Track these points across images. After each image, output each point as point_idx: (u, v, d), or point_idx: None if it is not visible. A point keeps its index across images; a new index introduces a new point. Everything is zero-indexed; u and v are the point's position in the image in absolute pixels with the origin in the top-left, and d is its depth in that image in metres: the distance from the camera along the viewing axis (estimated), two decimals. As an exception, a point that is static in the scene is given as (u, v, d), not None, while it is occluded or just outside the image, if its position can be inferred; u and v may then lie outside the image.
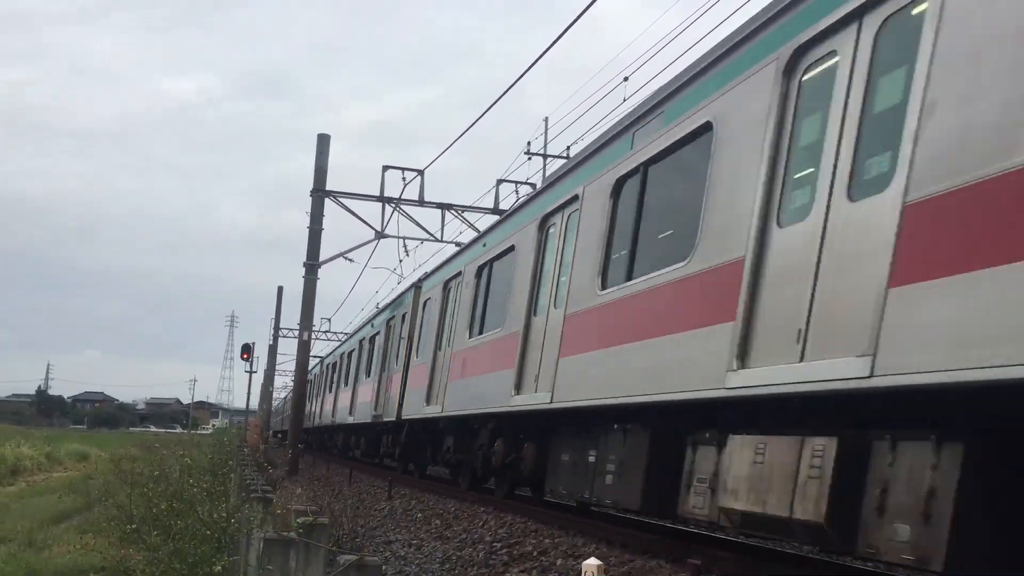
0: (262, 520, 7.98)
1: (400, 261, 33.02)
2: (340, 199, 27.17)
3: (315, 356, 43.66)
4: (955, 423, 5.61)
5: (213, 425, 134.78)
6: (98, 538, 15.17)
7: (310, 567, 5.64)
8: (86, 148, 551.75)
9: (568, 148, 25.67)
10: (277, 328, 54.02)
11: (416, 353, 19.91)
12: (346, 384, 30.86)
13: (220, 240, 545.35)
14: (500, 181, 27.35)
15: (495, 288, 14.75)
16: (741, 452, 7.28)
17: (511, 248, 13.76)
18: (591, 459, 10.32)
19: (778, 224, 7.02)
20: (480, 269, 15.65)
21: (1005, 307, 4.84)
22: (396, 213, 27.47)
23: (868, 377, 5.67)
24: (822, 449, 6.34)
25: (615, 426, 9.82)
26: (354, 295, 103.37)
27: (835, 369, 6.02)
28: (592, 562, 5.56)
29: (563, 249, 11.50)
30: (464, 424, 16.00)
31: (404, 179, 26.94)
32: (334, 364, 36.10)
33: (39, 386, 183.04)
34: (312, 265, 26.91)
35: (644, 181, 9.45)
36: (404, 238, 28.74)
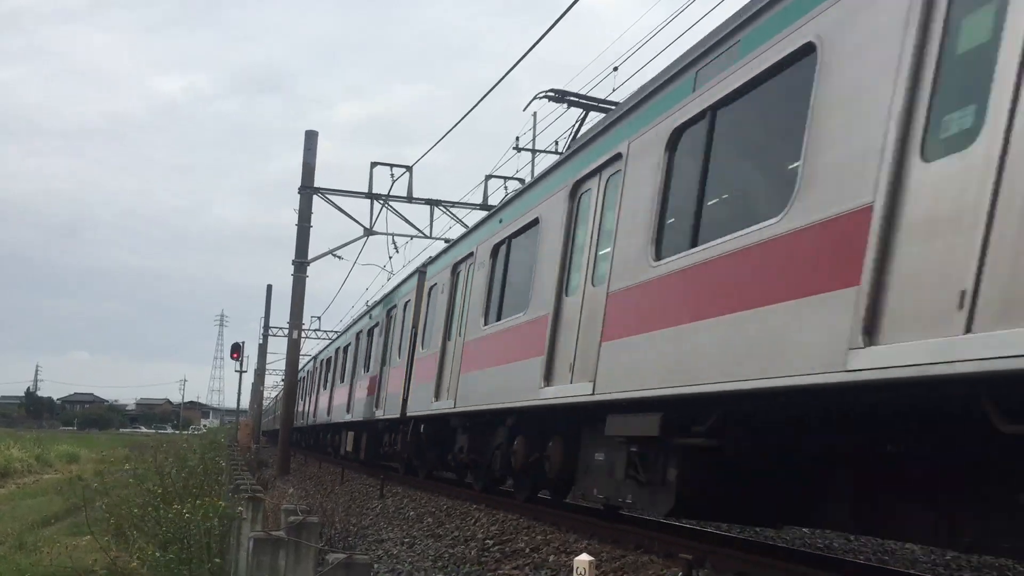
0: (252, 519, 7.93)
1: (390, 257, 33.10)
2: (328, 196, 27.08)
3: (305, 355, 43.59)
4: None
5: (204, 425, 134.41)
6: (87, 540, 15.08)
7: (300, 566, 5.60)
8: (76, 147, 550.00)
9: (556, 142, 25.63)
10: (267, 327, 53.80)
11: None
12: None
13: (210, 239, 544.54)
14: (489, 176, 27.29)
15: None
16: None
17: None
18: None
19: (565, 294, 10.76)
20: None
21: (643, 358, 8.32)
22: (385, 209, 27.42)
23: (591, 395, 9.32)
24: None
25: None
26: (344, 292, 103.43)
27: (582, 388, 9.63)
28: (584, 558, 5.54)
29: (467, 292, 15.58)
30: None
31: (392, 175, 26.91)
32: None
33: (28, 388, 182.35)
34: (301, 263, 26.81)
35: (509, 250, 13.51)
36: (393, 234, 28.72)
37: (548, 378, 10.74)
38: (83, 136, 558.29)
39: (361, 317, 28.62)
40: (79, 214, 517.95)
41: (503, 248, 13.83)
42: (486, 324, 13.92)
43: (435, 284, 17.94)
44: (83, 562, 12.50)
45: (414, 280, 19.97)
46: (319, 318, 57.93)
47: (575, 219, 10.93)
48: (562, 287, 10.89)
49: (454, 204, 27.91)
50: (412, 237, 28.78)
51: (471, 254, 15.41)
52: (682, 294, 7.91)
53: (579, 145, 11.26)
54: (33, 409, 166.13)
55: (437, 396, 15.87)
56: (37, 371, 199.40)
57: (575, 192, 10.95)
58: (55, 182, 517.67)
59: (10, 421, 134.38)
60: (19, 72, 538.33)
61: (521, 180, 25.88)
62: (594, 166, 10.40)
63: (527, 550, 9.86)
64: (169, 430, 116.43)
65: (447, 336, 16.07)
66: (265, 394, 70.66)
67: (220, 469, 17.87)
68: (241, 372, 52.25)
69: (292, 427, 31.48)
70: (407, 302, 20.16)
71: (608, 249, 9.63)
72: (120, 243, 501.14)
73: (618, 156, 9.73)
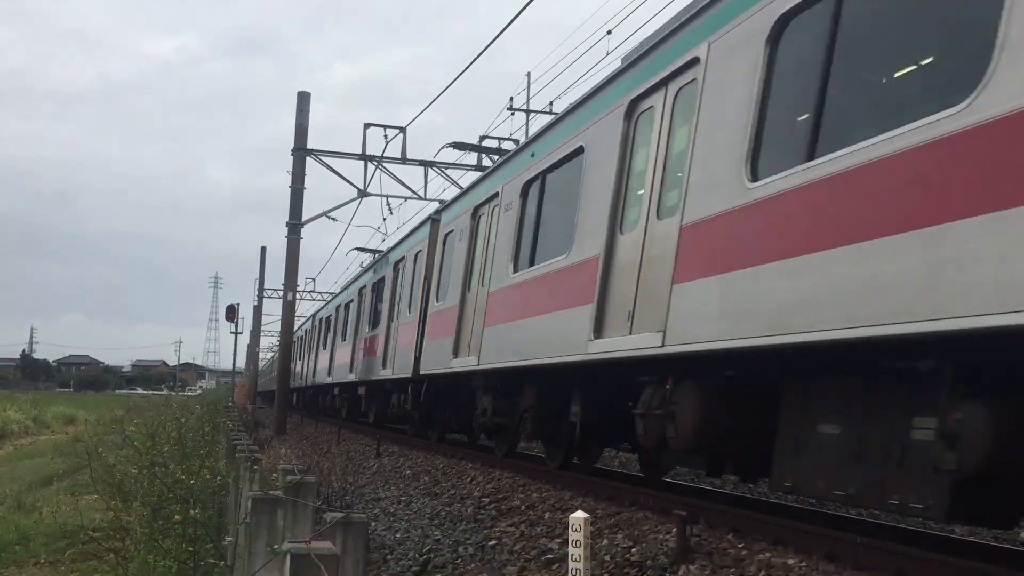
0: (249, 479, 7.99)
1: (384, 219, 32.96)
2: (322, 157, 26.93)
3: (300, 316, 43.75)
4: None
5: (200, 386, 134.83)
6: (86, 500, 15.20)
7: (298, 525, 5.65)
8: (67, 111, 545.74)
9: (551, 103, 25.51)
10: (261, 289, 53.81)
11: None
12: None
13: (204, 202, 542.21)
14: (483, 138, 27.14)
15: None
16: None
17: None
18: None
19: (482, 286, 13.84)
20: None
21: (555, 331, 10.41)
22: (379, 171, 27.29)
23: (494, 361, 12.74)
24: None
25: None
26: (338, 254, 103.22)
27: (469, 361, 13.81)
28: (579, 515, 5.59)
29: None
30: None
31: (386, 137, 26.73)
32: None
33: (23, 350, 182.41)
34: (295, 225, 26.72)
35: (444, 251, 17.09)
36: (387, 196, 28.62)
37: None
38: (75, 100, 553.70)
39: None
40: (72, 178, 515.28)
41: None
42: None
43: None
44: (82, 521, 12.62)
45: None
46: (314, 279, 58.11)
47: (476, 233, 15.18)
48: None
49: (448, 165, 27.79)
50: (406, 199, 28.72)
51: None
52: (521, 297, 11.91)
53: (474, 182, 16.26)
54: (29, 371, 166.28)
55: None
56: (32, 333, 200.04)
57: (475, 214, 15.35)
58: (47, 146, 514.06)
59: (6, 383, 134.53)
60: (8, 35, 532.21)
61: (516, 141, 25.75)
62: (481, 200, 14.90)
63: (523, 508, 9.96)
64: (165, 391, 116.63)
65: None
66: (260, 355, 70.77)
67: (216, 428, 17.97)
68: (236, 334, 52.23)
69: (288, 388, 31.58)
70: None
71: (492, 260, 13.71)
72: (113, 207, 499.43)
73: (496, 194, 14.11)
